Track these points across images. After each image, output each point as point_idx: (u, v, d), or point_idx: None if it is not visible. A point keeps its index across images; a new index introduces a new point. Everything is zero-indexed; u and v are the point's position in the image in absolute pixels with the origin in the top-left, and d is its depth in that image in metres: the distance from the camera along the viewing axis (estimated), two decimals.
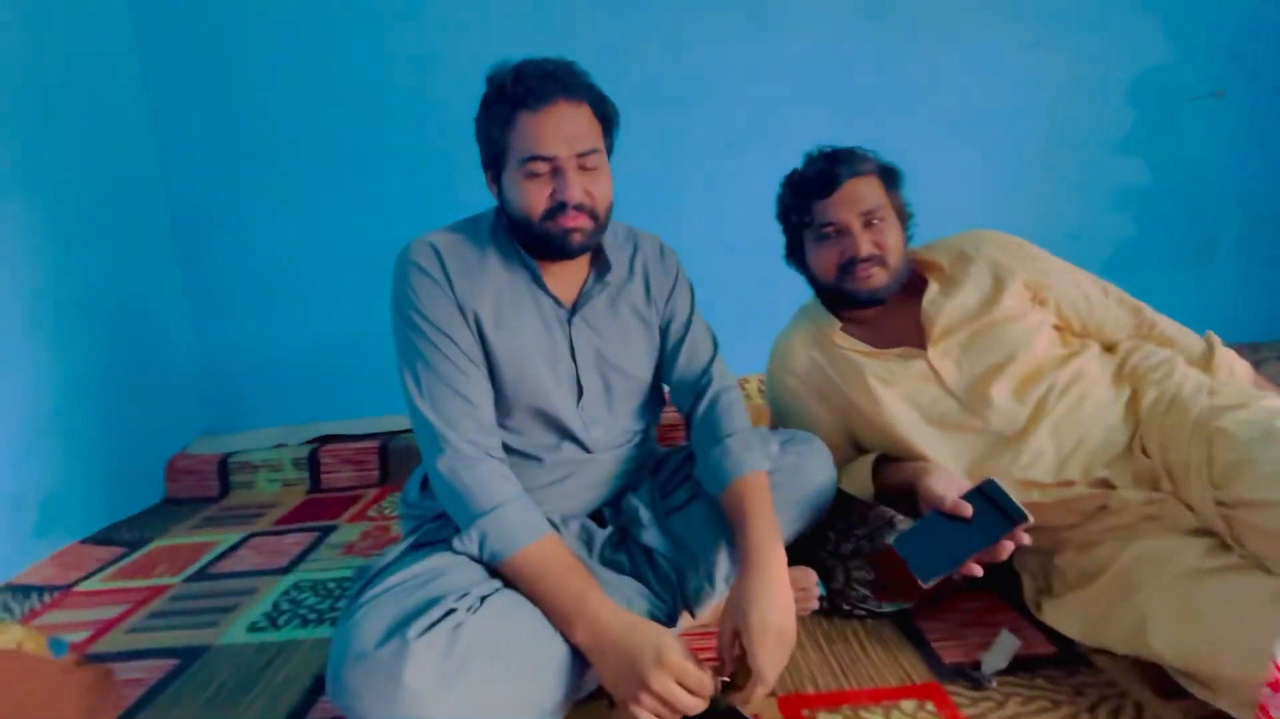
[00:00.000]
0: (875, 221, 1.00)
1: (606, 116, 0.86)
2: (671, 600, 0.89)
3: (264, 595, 1.20)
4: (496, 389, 0.88)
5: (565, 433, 0.92)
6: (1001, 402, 0.95)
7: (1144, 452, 0.91)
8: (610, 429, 0.95)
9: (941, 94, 1.95)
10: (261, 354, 1.97)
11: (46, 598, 1.25)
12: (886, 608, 0.97)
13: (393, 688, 0.63)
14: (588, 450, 0.94)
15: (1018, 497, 0.91)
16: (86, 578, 1.33)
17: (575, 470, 0.94)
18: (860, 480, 1.03)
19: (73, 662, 0.86)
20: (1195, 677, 0.75)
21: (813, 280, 1.09)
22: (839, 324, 1.07)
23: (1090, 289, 1.04)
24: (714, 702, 0.73)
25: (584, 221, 0.83)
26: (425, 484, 0.92)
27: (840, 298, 1.06)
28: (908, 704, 0.80)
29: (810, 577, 0.98)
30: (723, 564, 0.90)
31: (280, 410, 1.97)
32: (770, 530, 0.81)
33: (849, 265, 1.00)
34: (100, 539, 1.52)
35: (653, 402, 1.02)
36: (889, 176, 1.04)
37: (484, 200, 1.06)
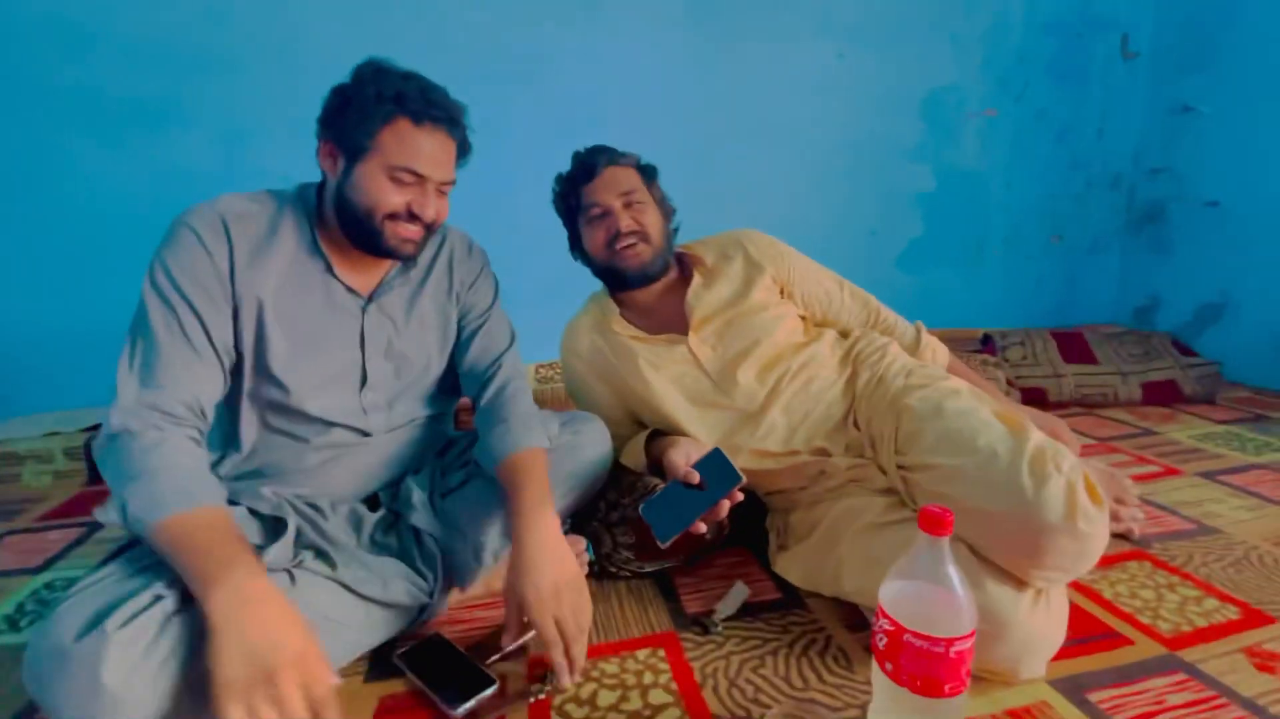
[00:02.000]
0: (634, 203, 1.10)
1: (465, 149, 0.92)
2: (433, 578, 0.93)
3: (8, 597, 1.10)
4: (270, 374, 0.86)
5: (331, 423, 0.91)
6: (745, 382, 1.07)
7: (856, 425, 1.07)
8: (392, 416, 0.97)
9: (754, 99, 2.08)
10: (33, 334, 1.75)
11: None
12: (648, 568, 1.08)
13: (90, 685, 0.60)
14: (365, 434, 0.94)
15: (756, 464, 1.05)
16: None
17: (346, 453, 0.94)
18: (635, 455, 1.13)
19: None
20: (873, 611, 0.91)
21: (590, 264, 1.16)
22: (618, 311, 1.16)
23: (830, 285, 1.19)
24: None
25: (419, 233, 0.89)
26: None
27: (616, 277, 1.14)
28: (642, 653, 0.90)
29: (580, 544, 1.06)
30: (492, 540, 0.95)
31: (55, 396, 1.77)
32: (541, 497, 0.85)
33: (614, 240, 1.09)
34: None
35: (446, 389, 1.05)
36: (645, 171, 1.16)
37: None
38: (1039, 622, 0.78)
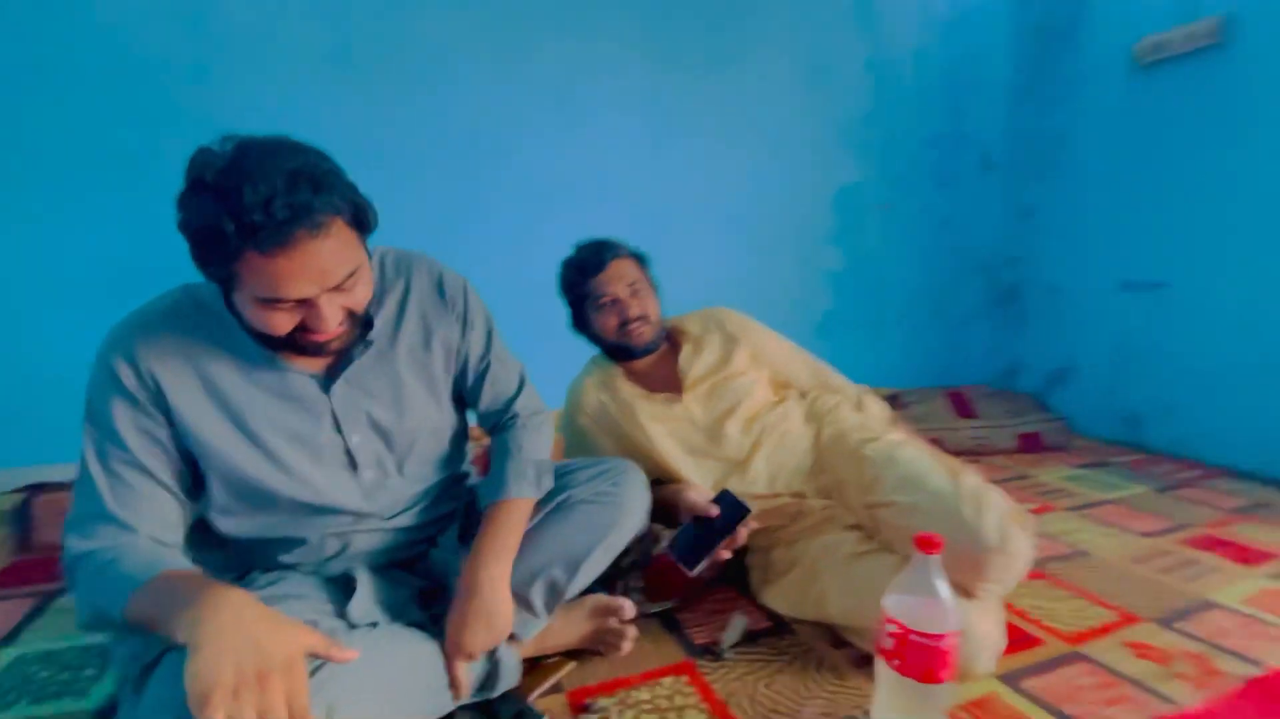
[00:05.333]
0: (638, 290, 1.28)
1: (360, 224, 0.76)
2: None
3: None
4: (246, 481, 0.81)
5: (334, 511, 0.86)
6: (733, 435, 1.25)
7: (824, 472, 1.27)
8: (401, 491, 0.91)
9: (702, 187, 2.36)
10: None
11: None
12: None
13: None
14: (377, 518, 0.90)
15: None
16: None
17: (359, 535, 0.89)
18: None
19: None
20: (854, 630, 1.08)
21: (597, 340, 1.32)
22: (621, 373, 1.31)
23: (790, 354, 1.41)
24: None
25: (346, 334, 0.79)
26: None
27: (623, 351, 1.29)
28: (667, 680, 1.01)
29: (627, 608, 1.05)
30: (537, 597, 0.94)
31: None
32: (501, 549, 0.88)
33: (624, 325, 1.26)
34: None
35: (457, 442, 1.00)
36: (641, 260, 1.35)
37: None
38: (989, 626, 0.98)
